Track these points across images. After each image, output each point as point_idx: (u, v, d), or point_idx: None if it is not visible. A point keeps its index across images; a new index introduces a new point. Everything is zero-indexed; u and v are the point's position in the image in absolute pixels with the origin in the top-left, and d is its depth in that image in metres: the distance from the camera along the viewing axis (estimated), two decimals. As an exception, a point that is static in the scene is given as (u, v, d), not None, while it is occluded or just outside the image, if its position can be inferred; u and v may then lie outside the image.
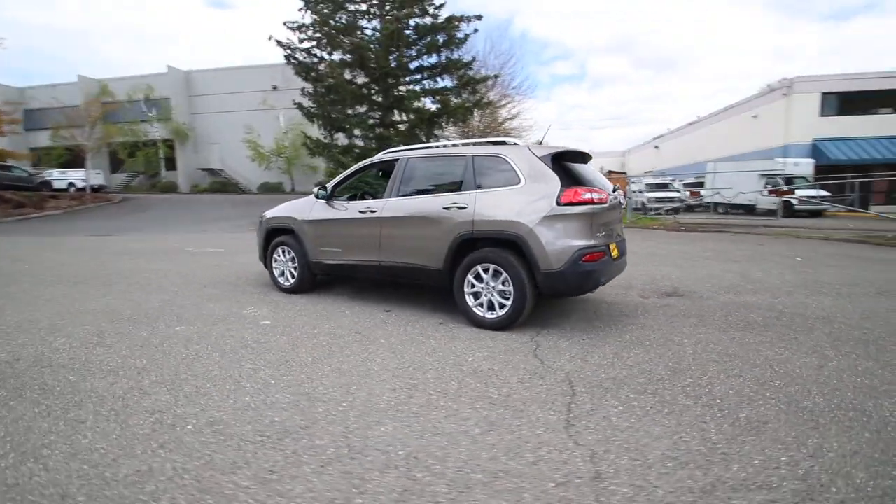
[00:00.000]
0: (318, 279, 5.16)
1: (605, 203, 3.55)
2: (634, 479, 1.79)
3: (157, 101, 30.68)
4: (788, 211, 16.03)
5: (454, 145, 4.36)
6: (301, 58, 18.44)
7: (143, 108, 30.30)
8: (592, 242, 3.47)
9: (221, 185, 31.29)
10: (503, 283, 3.61)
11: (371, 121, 18.39)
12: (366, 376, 2.81)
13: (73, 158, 26.59)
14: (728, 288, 5.26)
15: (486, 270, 3.69)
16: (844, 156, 20.51)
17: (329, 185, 4.74)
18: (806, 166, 19.56)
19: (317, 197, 4.74)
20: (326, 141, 18.79)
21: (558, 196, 3.42)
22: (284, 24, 17.78)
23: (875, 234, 10.50)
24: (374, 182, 5.15)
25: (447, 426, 2.20)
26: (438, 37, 17.97)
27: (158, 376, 2.82)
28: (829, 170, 19.93)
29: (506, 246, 3.61)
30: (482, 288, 3.72)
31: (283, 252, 5.09)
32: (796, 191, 16.51)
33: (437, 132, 19.85)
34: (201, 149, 32.59)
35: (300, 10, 17.89)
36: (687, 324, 3.86)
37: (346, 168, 16.33)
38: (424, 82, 19.27)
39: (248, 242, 11.03)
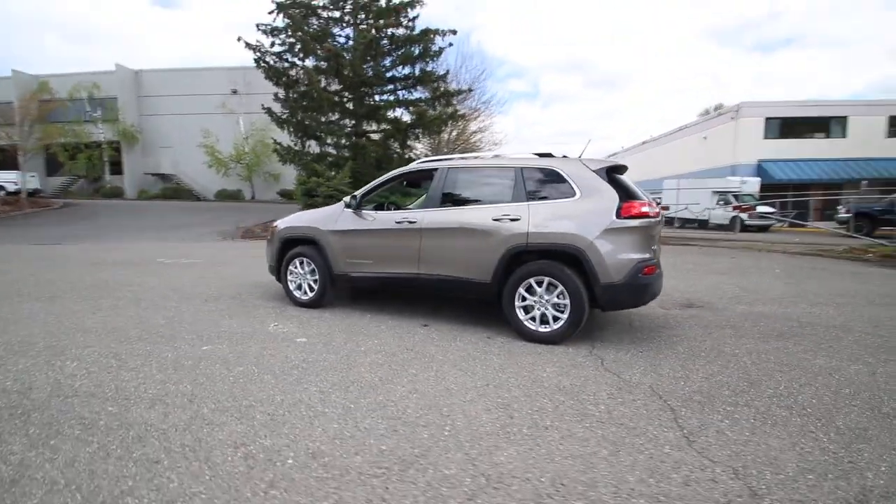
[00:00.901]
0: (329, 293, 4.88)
1: (657, 217, 3.62)
2: (791, 494, 1.77)
3: (102, 100, 28.54)
4: (741, 226, 17.27)
5: (496, 156, 4.31)
6: (272, 62, 17.83)
7: (87, 107, 28.10)
8: (648, 256, 3.51)
9: (173, 191, 29.45)
10: (559, 297, 3.56)
11: (346, 129, 18.00)
12: (448, 396, 2.66)
13: (3, 159, 24.09)
14: (735, 299, 5.51)
15: (539, 283, 3.63)
16: (785, 176, 22.46)
17: (358, 194, 4.53)
18: (753, 184, 21.21)
19: (347, 206, 4.50)
20: (298, 148, 18.19)
21: (618, 210, 3.44)
22: (257, 26, 17.18)
23: (826, 248, 11.48)
24: (397, 193, 4.98)
25: (571, 448, 2.10)
26: (413, 48, 18.00)
27: (216, 403, 2.52)
28: (771, 188, 21.73)
29: (561, 258, 3.58)
30: (534, 301, 3.66)
31: (301, 264, 4.80)
32: (757, 207, 17.84)
33: (410, 143, 19.83)
34: (151, 152, 30.58)
35: (271, 12, 17.35)
36: (725, 334, 3.98)
37: (319, 176, 16.05)
38: (399, 92, 19.19)
39: (225, 253, 10.41)
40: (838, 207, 16.60)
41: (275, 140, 18.01)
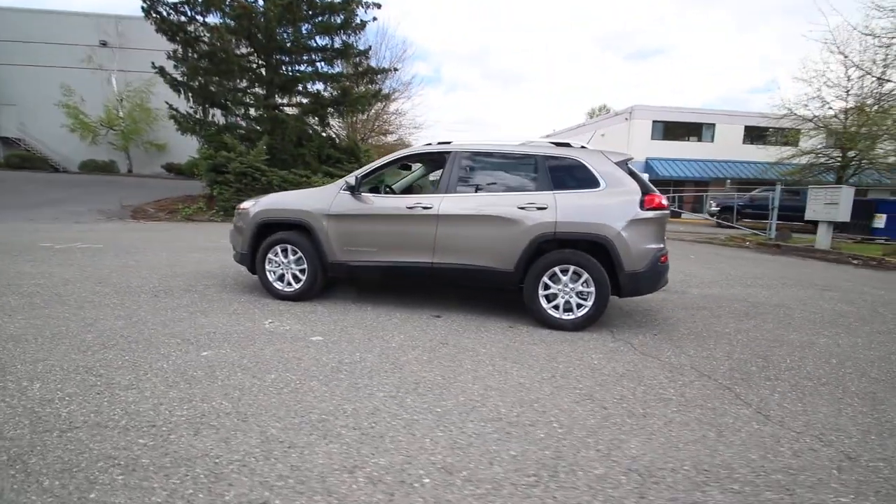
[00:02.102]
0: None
1: (668, 209, 3.88)
2: (873, 454, 2.05)
3: None
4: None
5: (520, 144, 4.21)
6: (165, 12, 15.28)
7: None
8: (663, 245, 3.76)
9: (21, 159, 24.07)
10: (583, 285, 3.65)
11: (257, 99, 16.24)
12: (527, 391, 2.57)
13: None
14: (684, 283, 6.20)
15: (564, 272, 3.68)
16: (667, 172, 25.84)
17: (357, 175, 4.10)
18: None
19: (349, 188, 4.04)
20: (199, 117, 15.99)
21: (641, 201, 3.61)
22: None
23: (710, 236, 13.48)
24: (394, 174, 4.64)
25: (682, 434, 2.17)
26: (335, 18, 16.81)
27: (279, 420, 2.12)
28: (656, 183, 24.78)
29: (587, 248, 3.66)
30: (559, 290, 3.70)
31: (285, 252, 4.24)
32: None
33: (329, 120, 18.67)
34: (-15, 109, 24.56)
35: (165, -45, 14.81)
36: (704, 315, 4.46)
37: (230, 150, 14.35)
38: (318, 64, 17.84)
39: (127, 236, 8.86)
40: (710, 202, 19.56)
41: (170, 105, 15.56)
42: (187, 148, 22.36)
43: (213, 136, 15.44)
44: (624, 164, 3.79)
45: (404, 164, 4.60)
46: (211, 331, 3.35)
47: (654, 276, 3.66)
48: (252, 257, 4.36)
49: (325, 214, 4.09)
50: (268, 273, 4.30)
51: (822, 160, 20.61)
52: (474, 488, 1.71)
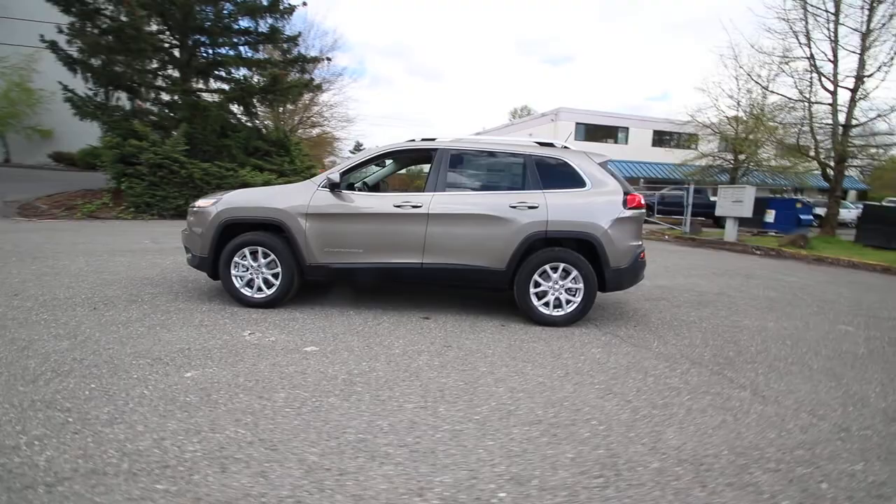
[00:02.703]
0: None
1: (644, 207, 4.12)
2: (866, 421, 2.35)
3: None
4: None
5: (506, 142, 4.18)
6: (55, -22, 13.17)
7: None
8: (641, 242, 3.98)
9: None
10: (572, 281, 3.76)
11: (174, 83, 14.64)
12: (552, 391, 2.58)
13: None
14: (633, 275, 6.66)
15: (554, 269, 3.76)
16: (589, 171, 27.66)
17: (339, 171, 3.83)
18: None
19: (331, 185, 3.76)
20: (101, 100, 14.05)
21: (624, 201, 3.79)
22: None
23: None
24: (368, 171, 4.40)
25: (711, 420, 2.31)
26: (260, -1, 15.67)
27: (320, 446, 1.91)
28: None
29: (574, 246, 3.77)
30: (549, 287, 3.78)
31: (254, 255, 3.85)
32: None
33: (256, 110, 17.41)
34: None
35: None
36: (664, 306, 4.82)
37: (141, 139, 12.80)
38: (242, 48, 16.50)
39: (24, 239, 7.56)
40: (629, 199, 21.26)
41: (65, 87, 13.48)
42: (80, 135, 19.59)
43: (118, 122, 13.65)
44: (605, 165, 3.95)
45: (397, 160, 4.41)
46: (183, 347, 2.94)
47: (634, 271, 3.87)
48: (214, 261, 3.91)
49: (302, 213, 3.77)
50: (234, 279, 3.88)
51: (718, 162, 23.33)
52: (552, 497, 1.67)
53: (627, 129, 29.19)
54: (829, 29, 12.09)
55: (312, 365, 2.76)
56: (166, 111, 15.09)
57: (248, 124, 16.98)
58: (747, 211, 11.42)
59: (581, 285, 3.75)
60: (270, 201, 3.85)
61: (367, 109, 66.51)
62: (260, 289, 3.90)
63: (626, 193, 3.82)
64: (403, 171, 5.87)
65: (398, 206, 3.75)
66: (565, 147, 4.06)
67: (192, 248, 4.02)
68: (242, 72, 16.11)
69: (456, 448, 1.95)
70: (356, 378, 2.61)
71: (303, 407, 2.24)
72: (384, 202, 3.82)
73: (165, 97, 15.24)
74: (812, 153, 13.73)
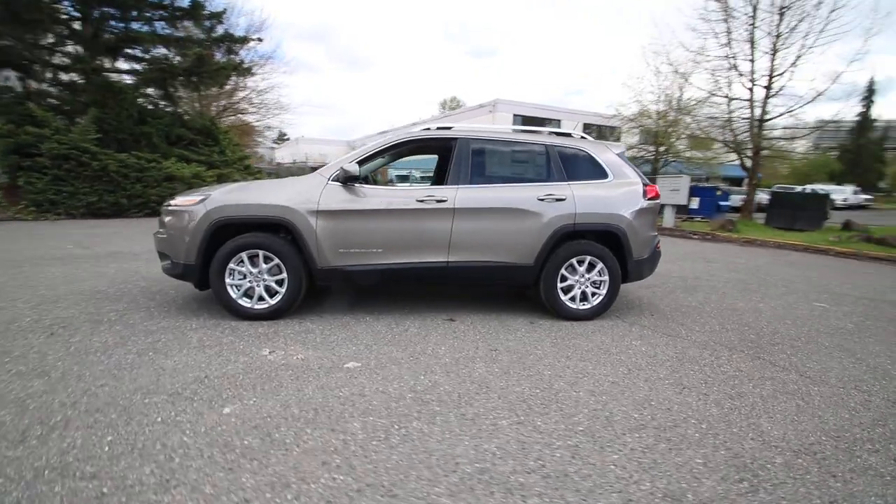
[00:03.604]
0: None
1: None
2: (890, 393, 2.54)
3: None
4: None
5: (523, 131, 3.97)
6: None
7: None
8: (657, 233, 4.03)
9: None
10: (598, 274, 3.72)
11: (81, 60, 12.63)
12: (630, 390, 2.49)
13: None
14: (610, 263, 6.87)
15: (580, 263, 3.69)
16: (526, 162, 28.46)
17: (353, 161, 3.42)
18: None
19: (345, 178, 3.34)
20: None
21: (644, 191, 3.81)
22: None
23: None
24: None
25: (782, 408, 2.35)
26: (178, -30, 13.99)
27: (444, 484, 1.64)
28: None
29: (599, 238, 3.72)
30: (575, 281, 3.71)
31: (253, 260, 3.35)
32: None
33: (178, 94, 15.62)
34: None
35: None
36: (662, 292, 4.99)
37: (41, 126, 10.92)
38: (158, 24, 14.65)
39: None
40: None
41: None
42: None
43: (9, 105, 11.52)
44: (623, 155, 3.94)
45: (412, 151, 4.04)
46: (199, 375, 2.45)
47: (653, 261, 3.93)
48: (204, 269, 3.34)
49: (312, 211, 3.33)
50: (230, 288, 3.35)
51: (642, 154, 25.12)
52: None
53: (560, 121, 30.41)
54: (747, 31, 13.37)
55: (366, 384, 2.43)
56: (69, 94, 13.02)
57: (168, 110, 15.21)
58: (683, 198, 12.34)
59: (606, 277, 3.72)
60: (272, 198, 3.35)
61: (290, 97, 62.95)
62: (261, 298, 3.40)
63: (644, 184, 3.84)
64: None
65: (421, 201, 3.44)
66: (582, 137, 3.98)
67: (173, 254, 3.40)
68: (160, 51, 14.34)
69: (586, 467, 1.78)
70: (425, 396, 2.33)
71: (390, 438, 1.94)
72: (406, 196, 3.49)
73: (67, 77, 13.14)
74: (731, 145, 15.18)
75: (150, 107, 14.59)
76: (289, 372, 2.54)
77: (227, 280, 3.34)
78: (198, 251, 3.30)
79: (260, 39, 18.16)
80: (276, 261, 3.36)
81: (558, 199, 3.60)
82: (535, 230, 3.56)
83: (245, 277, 3.37)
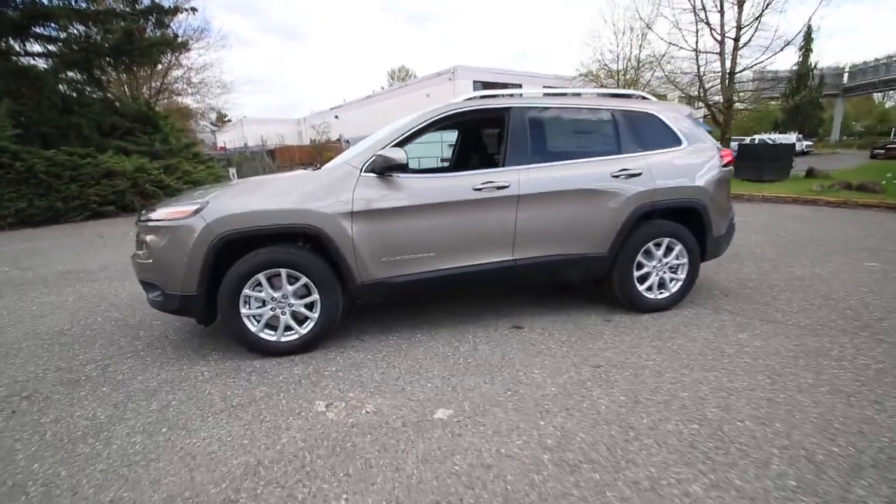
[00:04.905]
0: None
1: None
2: None
3: None
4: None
5: (575, 94, 3.32)
6: None
7: None
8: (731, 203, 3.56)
9: None
10: (676, 257, 3.24)
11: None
12: (812, 407, 2.04)
13: None
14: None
15: (657, 246, 3.18)
16: (492, 130, 27.70)
17: (391, 147, 2.69)
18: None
19: (381, 169, 2.62)
20: None
21: (720, 157, 3.31)
22: None
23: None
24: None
25: (980, 411, 1.98)
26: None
27: None
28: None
29: (678, 215, 3.21)
30: (652, 267, 3.21)
31: (274, 281, 2.61)
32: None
33: (103, 77, 13.69)
34: None
35: None
36: (712, 264, 4.60)
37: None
38: (70, -4, 12.57)
39: None
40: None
41: None
42: None
43: None
44: (693, 116, 3.41)
45: (456, 126, 3.29)
46: (247, 462, 1.77)
47: (729, 236, 3.49)
48: (208, 298, 2.57)
49: (345, 213, 2.60)
50: (247, 320, 2.61)
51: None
52: None
53: (520, 85, 29.69)
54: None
55: (480, 445, 1.83)
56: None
57: (96, 96, 13.33)
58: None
59: (685, 260, 3.25)
60: (292, 200, 2.58)
61: (232, 75, 58.28)
62: (288, 328, 2.69)
63: (718, 149, 3.35)
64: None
65: (478, 189, 2.78)
66: (643, 97, 3.40)
67: (164, 283, 2.60)
68: (80, 28, 12.34)
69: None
70: (566, 455, 1.76)
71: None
72: (458, 184, 2.80)
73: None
74: (703, 100, 15.13)
75: (74, 94, 12.71)
76: (367, 438, 1.89)
77: (243, 310, 2.59)
78: (200, 277, 2.52)
79: (194, 10, 16.04)
80: (304, 279, 2.63)
81: (633, 175, 3.04)
82: (610, 213, 3.00)
83: (265, 304, 2.63)
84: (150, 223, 2.61)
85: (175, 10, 15.07)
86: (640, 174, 3.04)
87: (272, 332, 2.68)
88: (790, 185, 11.86)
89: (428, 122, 2.87)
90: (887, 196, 8.84)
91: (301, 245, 2.70)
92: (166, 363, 2.68)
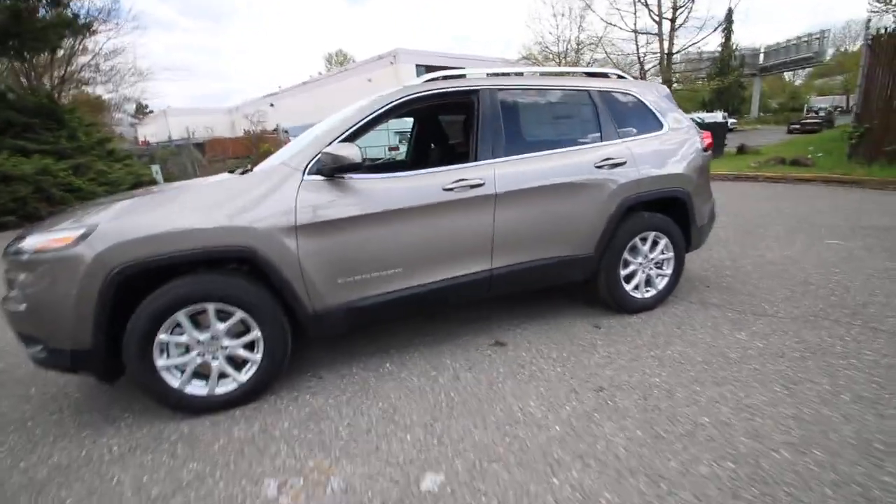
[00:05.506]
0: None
1: None
2: None
3: None
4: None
5: (553, 73, 2.90)
6: None
7: None
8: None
9: None
10: (662, 251, 2.98)
11: None
12: (842, 424, 1.80)
13: None
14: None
15: (643, 241, 2.91)
16: (438, 116, 27.08)
17: (339, 143, 2.17)
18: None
19: (329, 171, 2.10)
20: None
21: (701, 140, 3.07)
22: None
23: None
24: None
25: None
26: None
27: None
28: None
29: (662, 206, 2.94)
30: (638, 265, 2.94)
31: (197, 319, 2.05)
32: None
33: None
34: None
35: None
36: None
37: None
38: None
39: None
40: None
41: None
42: None
43: None
44: (671, 97, 3.14)
45: (400, 114, 2.74)
46: None
47: (710, 224, 3.28)
48: (111, 351, 1.97)
49: (288, 227, 2.07)
50: (166, 373, 2.04)
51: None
52: None
53: (463, 68, 29.17)
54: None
55: (484, 526, 1.43)
56: None
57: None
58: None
59: (671, 254, 3.01)
60: (216, 215, 2.01)
61: (147, 61, 53.16)
62: (224, 375, 2.14)
63: (699, 132, 3.11)
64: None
65: (449, 189, 2.34)
66: (620, 76, 3.08)
67: (45, 335, 1.96)
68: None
69: None
70: (593, 528, 1.40)
71: None
72: (424, 184, 2.34)
73: None
74: (643, 80, 15.43)
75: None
76: (338, 532, 1.44)
77: (160, 361, 2.01)
78: (94, 325, 1.91)
79: (96, -15, 14.07)
80: (239, 314, 2.09)
81: (617, 164, 2.72)
82: (595, 208, 2.67)
83: (188, 350, 2.07)
84: (24, 256, 1.95)
85: (72, -13, 13.22)
86: (624, 163, 2.73)
87: (202, 383, 2.12)
88: (727, 162, 12.33)
89: (383, 108, 2.37)
90: (820, 170, 9.33)
91: (234, 268, 2.15)
92: (62, 437, 2.06)
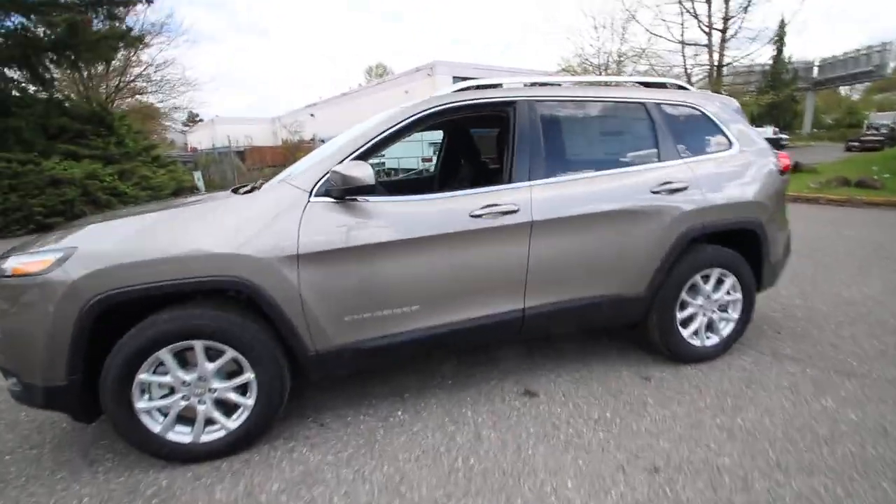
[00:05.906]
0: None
1: None
2: None
3: None
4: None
5: (601, 83, 2.57)
6: None
7: None
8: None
9: None
10: (728, 292, 2.53)
11: None
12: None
13: None
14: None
15: (705, 279, 2.48)
16: (473, 127, 26.94)
17: (350, 161, 1.90)
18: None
19: (340, 192, 1.83)
20: None
21: (777, 162, 2.62)
22: None
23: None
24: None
25: None
26: None
27: None
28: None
29: (731, 238, 2.50)
30: (698, 307, 2.50)
31: (188, 356, 1.80)
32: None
33: (47, 75, 12.43)
34: None
35: None
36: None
37: None
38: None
39: None
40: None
41: None
42: None
43: None
44: (741, 111, 2.71)
45: (423, 128, 2.46)
46: None
47: (785, 261, 2.80)
48: (87, 388, 1.75)
49: (289, 257, 1.80)
50: (145, 417, 1.79)
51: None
52: None
53: (501, 83, 28.96)
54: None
55: None
56: None
57: (42, 96, 12.09)
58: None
59: (739, 295, 2.55)
60: (210, 240, 1.76)
61: (197, 72, 55.91)
62: (211, 422, 1.87)
63: (775, 153, 2.66)
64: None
65: (477, 216, 2.01)
66: (681, 87, 2.67)
67: (19, 367, 1.76)
68: (17, 20, 11.08)
69: None
70: None
71: None
72: (450, 210, 2.02)
73: None
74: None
75: (14, 93, 11.46)
76: None
77: (140, 404, 1.77)
78: (69, 361, 1.69)
79: (149, 1, 14.77)
80: (231, 354, 1.82)
81: (677, 189, 2.31)
82: (649, 240, 2.27)
83: (173, 392, 1.81)
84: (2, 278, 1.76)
85: (128, 2, 13.87)
86: (685, 188, 2.32)
87: (187, 429, 1.86)
88: (783, 181, 11.47)
89: (405, 121, 2.08)
90: (891, 193, 8.44)
91: (228, 299, 1.90)
92: (35, 479, 1.84)
